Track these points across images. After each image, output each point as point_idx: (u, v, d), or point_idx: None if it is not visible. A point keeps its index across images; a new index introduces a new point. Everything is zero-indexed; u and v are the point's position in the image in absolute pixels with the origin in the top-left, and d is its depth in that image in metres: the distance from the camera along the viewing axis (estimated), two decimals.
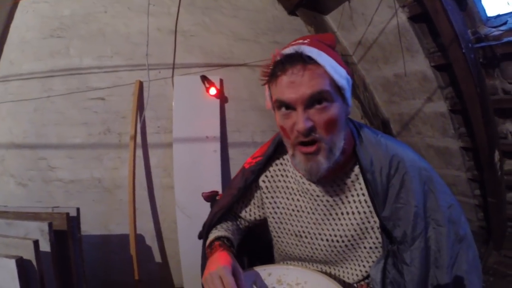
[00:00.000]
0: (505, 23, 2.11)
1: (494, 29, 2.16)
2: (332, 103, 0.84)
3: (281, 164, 1.08)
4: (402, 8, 2.45)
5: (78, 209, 2.12)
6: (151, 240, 2.76)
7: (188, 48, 2.83)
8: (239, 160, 3.03)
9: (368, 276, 1.03)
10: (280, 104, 0.86)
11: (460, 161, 2.80)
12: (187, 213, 2.73)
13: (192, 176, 2.79)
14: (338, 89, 0.85)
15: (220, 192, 2.31)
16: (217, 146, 2.87)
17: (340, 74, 0.85)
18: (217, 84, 2.85)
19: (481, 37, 2.21)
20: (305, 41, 0.87)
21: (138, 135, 2.67)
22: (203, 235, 1.16)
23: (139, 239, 2.57)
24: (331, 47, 0.92)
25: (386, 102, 3.27)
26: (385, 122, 3.37)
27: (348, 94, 0.88)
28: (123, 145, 2.67)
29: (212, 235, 1.08)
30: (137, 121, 2.63)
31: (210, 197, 1.64)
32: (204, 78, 2.80)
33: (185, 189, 2.76)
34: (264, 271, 1.03)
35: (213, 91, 2.81)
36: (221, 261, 0.89)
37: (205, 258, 1.10)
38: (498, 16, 2.17)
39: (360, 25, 2.82)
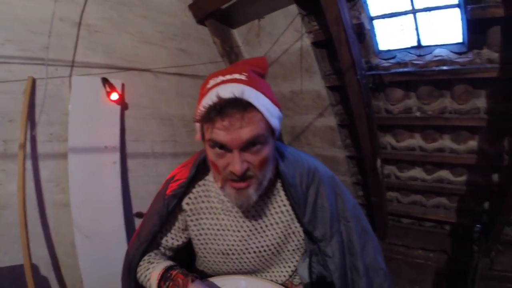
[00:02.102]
0: (394, 57, 2.58)
1: (384, 61, 2.63)
2: (265, 145, 0.86)
3: (204, 185, 1.07)
4: (308, 33, 2.74)
5: None
6: (46, 269, 2.29)
7: (91, 45, 2.47)
8: (139, 172, 2.82)
9: (292, 274, 1.14)
10: (214, 145, 0.85)
11: (346, 168, 3.27)
12: (86, 233, 2.40)
13: (90, 191, 2.45)
14: (271, 129, 0.88)
15: None
16: (116, 157, 2.60)
17: (274, 115, 0.87)
18: (119, 89, 2.59)
19: (372, 66, 2.65)
20: (242, 76, 0.86)
21: (27, 143, 2.19)
22: (128, 272, 1.07)
23: (33, 269, 2.10)
24: (264, 76, 0.95)
25: None
26: None
27: (278, 131, 0.91)
28: (8, 155, 2.13)
29: (157, 267, 1.00)
30: (27, 126, 2.16)
31: None
32: (105, 81, 2.51)
33: (83, 206, 2.41)
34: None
35: (114, 96, 2.53)
36: None
37: None
38: (389, 50, 2.65)
39: (266, 43, 3.01)
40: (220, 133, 0.81)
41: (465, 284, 2.71)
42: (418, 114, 2.69)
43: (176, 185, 1.03)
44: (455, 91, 2.52)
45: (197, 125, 0.90)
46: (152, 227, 1.04)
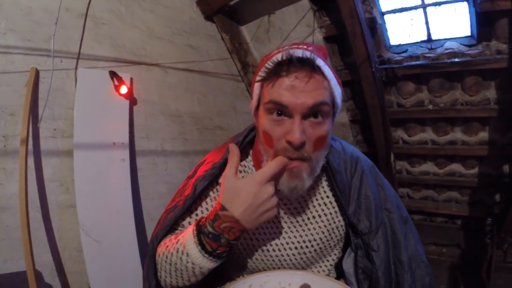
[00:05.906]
0: (405, 51, 2.62)
1: (396, 55, 2.66)
2: (326, 119, 0.80)
3: (244, 171, 0.98)
4: (320, 28, 2.74)
5: None
6: (50, 276, 2.06)
7: (98, 37, 2.36)
8: (148, 171, 2.66)
9: (331, 270, 1.06)
10: (274, 108, 0.78)
11: None
12: (94, 236, 2.20)
13: (97, 191, 2.27)
14: (333, 106, 0.83)
15: None
16: (125, 154, 2.44)
17: (337, 91, 0.83)
18: (127, 83, 2.46)
19: (384, 60, 2.68)
20: (309, 48, 0.81)
21: (29, 139, 1.99)
22: (151, 253, 0.94)
23: (37, 276, 1.87)
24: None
25: None
26: None
27: (339, 110, 0.87)
28: (9, 152, 1.94)
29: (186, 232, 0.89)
30: (29, 120, 1.98)
31: None
32: (113, 74, 2.39)
33: (90, 207, 2.22)
34: (244, 284, 0.90)
35: (124, 89, 2.40)
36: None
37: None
38: (399, 45, 2.70)
39: (275, 39, 2.99)
40: (284, 93, 0.75)
41: (480, 277, 2.70)
42: (430, 107, 2.73)
43: (209, 166, 0.94)
44: (465, 83, 2.58)
45: (255, 88, 0.84)
46: (175, 213, 0.93)
